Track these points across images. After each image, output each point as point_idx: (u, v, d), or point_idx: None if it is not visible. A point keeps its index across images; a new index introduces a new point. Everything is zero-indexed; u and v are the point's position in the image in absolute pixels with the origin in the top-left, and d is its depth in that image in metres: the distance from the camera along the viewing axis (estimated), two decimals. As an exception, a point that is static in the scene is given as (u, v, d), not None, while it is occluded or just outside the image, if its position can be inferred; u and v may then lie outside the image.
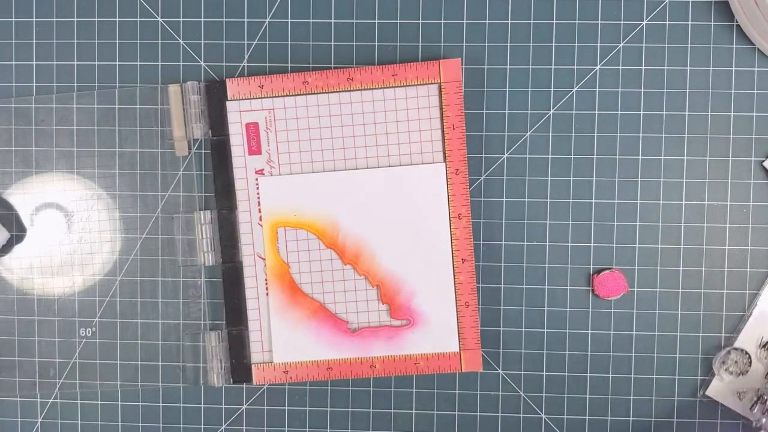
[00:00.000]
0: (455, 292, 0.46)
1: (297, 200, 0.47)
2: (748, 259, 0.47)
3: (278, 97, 0.46)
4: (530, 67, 0.47)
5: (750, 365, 0.46)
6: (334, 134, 0.46)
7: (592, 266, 0.47)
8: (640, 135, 0.47)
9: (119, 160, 0.48)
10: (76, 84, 0.48)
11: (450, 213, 0.46)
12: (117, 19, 0.48)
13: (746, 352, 0.46)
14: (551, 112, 0.47)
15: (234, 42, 0.48)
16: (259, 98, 0.46)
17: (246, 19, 0.48)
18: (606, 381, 0.47)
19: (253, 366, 0.47)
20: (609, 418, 0.48)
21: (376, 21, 0.47)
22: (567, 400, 0.48)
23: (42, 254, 0.49)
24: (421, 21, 0.47)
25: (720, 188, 0.47)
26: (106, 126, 0.48)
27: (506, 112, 0.47)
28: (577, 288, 0.47)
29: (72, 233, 0.49)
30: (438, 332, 0.47)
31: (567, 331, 0.47)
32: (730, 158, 0.47)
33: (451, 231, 0.46)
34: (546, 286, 0.47)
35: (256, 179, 0.47)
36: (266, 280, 0.47)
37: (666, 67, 0.46)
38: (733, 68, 0.46)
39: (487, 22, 0.47)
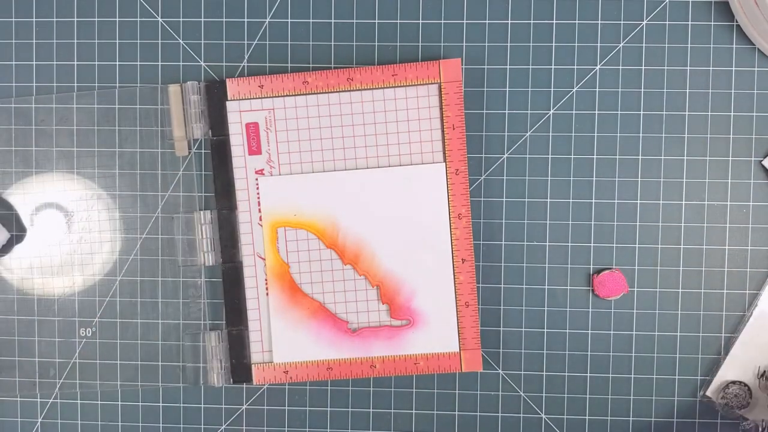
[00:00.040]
0: (455, 292, 0.46)
1: (297, 200, 0.47)
2: (748, 259, 0.47)
3: (278, 97, 0.46)
4: (530, 67, 0.47)
5: (751, 397, 0.46)
6: (334, 134, 0.46)
7: (592, 266, 0.47)
8: (640, 135, 0.47)
9: (119, 160, 0.48)
10: (76, 84, 0.48)
11: (450, 213, 0.46)
12: (117, 19, 0.48)
13: (745, 384, 0.46)
14: (551, 112, 0.47)
15: (234, 42, 0.48)
16: (259, 98, 0.46)
17: (246, 19, 0.48)
18: (606, 381, 0.47)
19: (253, 366, 0.47)
20: (609, 418, 0.48)
21: (376, 21, 0.47)
22: (567, 400, 0.48)
23: (42, 254, 0.49)
24: (421, 21, 0.47)
25: (720, 188, 0.47)
26: (106, 126, 0.48)
27: (506, 112, 0.47)
28: (577, 288, 0.47)
29: (72, 233, 0.49)
30: (438, 332, 0.47)
31: (567, 331, 0.47)
32: (730, 158, 0.47)
33: (451, 231, 0.46)
34: (546, 286, 0.47)
35: (256, 179, 0.47)
36: (266, 280, 0.47)
37: (666, 67, 0.46)
38: (733, 68, 0.46)
39: (487, 22, 0.47)
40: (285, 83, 0.46)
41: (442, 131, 0.46)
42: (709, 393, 0.46)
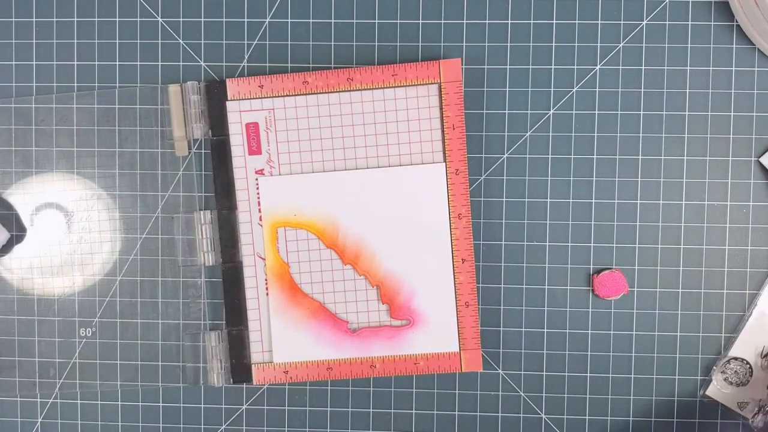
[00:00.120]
0: (455, 292, 0.46)
1: (297, 200, 0.47)
2: (748, 259, 0.47)
3: (278, 97, 0.46)
4: (530, 67, 0.47)
5: (751, 375, 0.46)
6: (334, 134, 0.46)
7: (592, 266, 0.47)
8: (640, 135, 0.47)
9: (119, 160, 0.48)
10: (76, 84, 0.48)
11: (450, 213, 0.46)
12: (117, 19, 0.48)
13: (746, 362, 0.46)
14: (551, 112, 0.47)
15: (234, 42, 0.48)
16: (259, 98, 0.46)
17: (246, 19, 0.48)
18: (606, 381, 0.47)
19: (253, 366, 0.47)
20: (609, 418, 0.48)
21: (376, 21, 0.47)
22: (567, 400, 0.48)
23: (42, 254, 0.49)
24: (421, 21, 0.47)
25: (720, 188, 0.47)
26: (106, 126, 0.48)
27: (506, 112, 0.47)
28: (577, 288, 0.47)
29: (72, 233, 0.49)
30: (438, 332, 0.47)
31: (567, 331, 0.47)
32: (730, 158, 0.47)
33: (451, 231, 0.46)
34: (546, 286, 0.47)
35: (256, 179, 0.47)
36: (266, 280, 0.47)
37: (666, 67, 0.46)
38: (733, 68, 0.46)
39: (487, 22, 0.47)
40: (285, 83, 0.46)
41: (442, 131, 0.46)
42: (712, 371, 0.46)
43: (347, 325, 0.47)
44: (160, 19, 0.48)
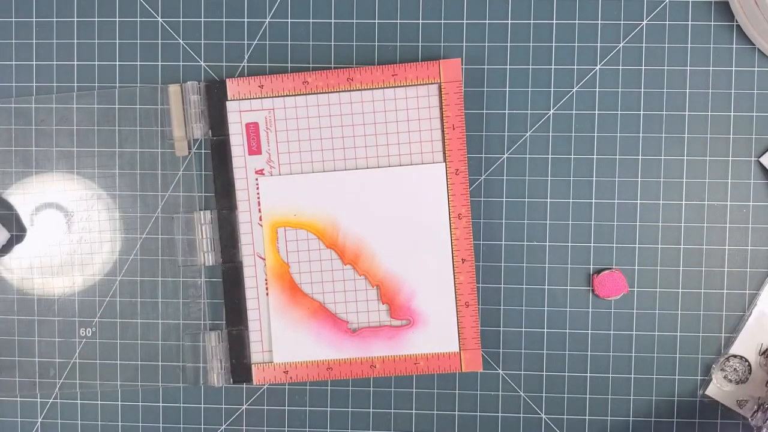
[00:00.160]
0: (455, 292, 0.46)
1: (297, 200, 0.47)
2: (748, 259, 0.47)
3: (278, 97, 0.46)
4: (530, 67, 0.47)
5: (750, 373, 0.46)
6: (334, 134, 0.46)
7: (592, 266, 0.47)
8: (640, 135, 0.47)
9: (119, 160, 0.48)
10: (76, 84, 0.48)
11: (450, 213, 0.46)
12: (117, 19, 0.48)
13: (746, 360, 0.46)
14: (551, 112, 0.47)
15: (234, 42, 0.48)
16: (259, 98, 0.46)
17: (246, 19, 0.48)
18: (606, 381, 0.47)
19: (253, 366, 0.47)
20: (609, 418, 0.48)
21: (376, 21, 0.47)
22: (567, 400, 0.48)
23: (42, 254, 0.49)
24: (421, 21, 0.47)
25: (720, 188, 0.47)
26: (106, 126, 0.48)
27: (506, 112, 0.47)
28: (577, 288, 0.47)
29: (72, 233, 0.49)
30: (438, 332, 0.47)
31: (567, 331, 0.47)
32: (730, 158, 0.47)
33: (451, 231, 0.46)
34: (546, 286, 0.47)
35: (256, 179, 0.47)
36: (266, 280, 0.47)
37: (666, 67, 0.46)
38: (733, 68, 0.46)
39: (487, 22, 0.47)
40: (285, 83, 0.46)
41: (442, 131, 0.46)
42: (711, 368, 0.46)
43: (347, 325, 0.47)
44: (160, 19, 0.48)
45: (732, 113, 0.46)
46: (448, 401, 0.48)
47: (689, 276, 0.47)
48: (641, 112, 0.47)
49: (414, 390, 0.48)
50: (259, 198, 0.47)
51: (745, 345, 0.46)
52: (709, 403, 0.47)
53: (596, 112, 0.47)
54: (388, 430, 0.48)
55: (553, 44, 0.47)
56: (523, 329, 0.47)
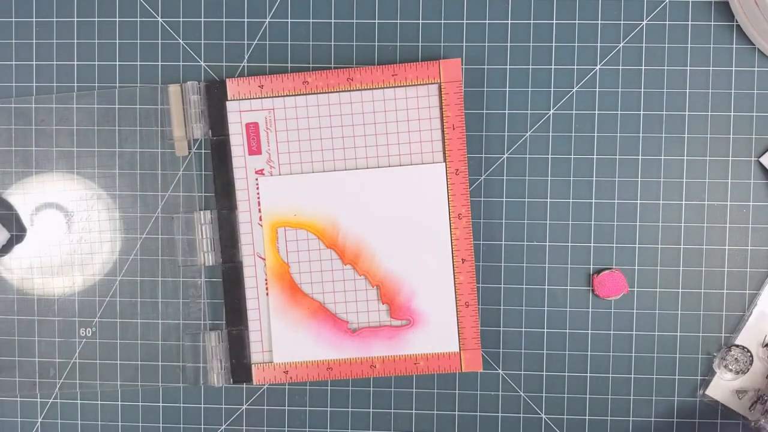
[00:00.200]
0: (455, 292, 0.46)
1: (297, 200, 0.47)
2: (748, 259, 0.47)
3: (278, 97, 0.46)
4: (530, 67, 0.47)
5: (751, 363, 0.46)
6: (334, 134, 0.46)
7: (592, 266, 0.47)
8: (640, 135, 0.47)
9: (119, 160, 0.48)
10: (76, 84, 0.48)
11: (450, 213, 0.46)
12: (117, 19, 0.48)
13: (748, 350, 0.46)
14: (551, 112, 0.47)
15: (234, 42, 0.48)
16: (259, 98, 0.46)
17: (246, 19, 0.48)
18: (606, 381, 0.47)
19: (253, 366, 0.47)
20: (609, 418, 0.48)
21: (376, 21, 0.47)
22: (567, 400, 0.48)
23: (42, 254, 0.49)
24: (421, 21, 0.47)
25: (720, 188, 0.47)
26: (106, 126, 0.48)
27: (506, 112, 0.47)
28: (577, 288, 0.47)
29: (72, 233, 0.49)
30: (438, 332, 0.47)
31: (567, 331, 0.47)
32: (730, 158, 0.47)
33: (451, 231, 0.46)
34: (546, 286, 0.47)
35: (256, 179, 0.47)
36: (266, 280, 0.47)
37: (666, 67, 0.46)
38: (733, 68, 0.46)
39: (487, 22, 0.47)
40: (285, 83, 0.46)
41: (442, 131, 0.46)
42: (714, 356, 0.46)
43: (347, 325, 0.47)
44: (160, 19, 0.48)
45: (732, 113, 0.46)
46: (448, 401, 0.48)
47: (689, 276, 0.47)
48: (641, 112, 0.47)
49: (414, 390, 0.48)
50: (259, 198, 0.47)
51: (749, 333, 0.46)
52: (709, 403, 0.47)
53: (596, 112, 0.47)
54: (388, 430, 0.48)
55: (553, 44, 0.47)
56: (523, 329, 0.47)
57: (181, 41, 0.48)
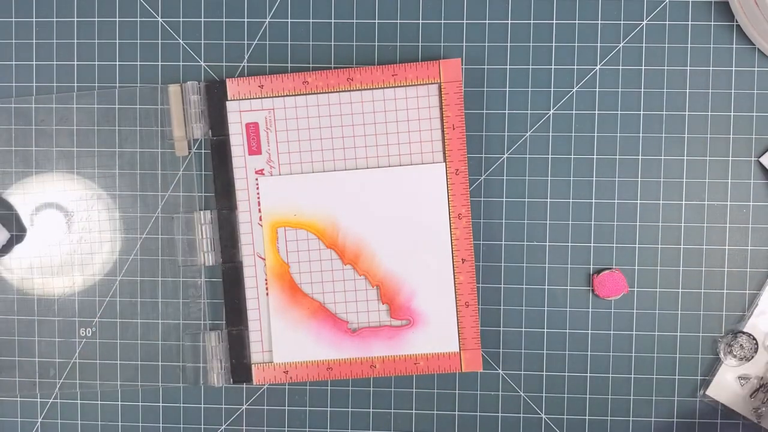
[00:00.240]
0: (455, 292, 0.46)
1: (297, 200, 0.47)
2: (748, 259, 0.47)
3: (278, 97, 0.46)
4: (530, 67, 0.47)
5: (756, 351, 0.46)
6: (334, 134, 0.46)
7: (592, 266, 0.47)
8: (640, 135, 0.47)
9: (119, 160, 0.48)
10: (76, 84, 0.48)
11: (450, 213, 0.46)
12: (117, 19, 0.48)
13: (754, 338, 0.46)
14: (551, 112, 0.47)
15: (234, 42, 0.48)
16: (259, 98, 0.46)
17: (246, 19, 0.48)
18: (606, 381, 0.47)
19: (253, 366, 0.47)
20: (609, 418, 0.48)
21: (376, 21, 0.47)
22: (567, 400, 0.48)
23: (42, 254, 0.49)
24: (421, 21, 0.47)
25: (720, 188, 0.47)
26: (106, 126, 0.48)
27: (506, 112, 0.47)
28: (577, 288, 0.47)
29: (72, 233, 0.49)
30: (438, 332, 0.47)
31: (567, 331, 0.47)
32: (730, 158, 0.47)
33: (451, 231, 0.46)
34: (546, 286, 0.47)
35: (256, 179, 0.47)
36: (266, 280, 0.47)
37: (666, 67, 0.46)
38: (733, 68, 0.46)
39: (487, 22, 0.47)
40: (285, 83, 0.46)
41: (442, 131, 0.46)
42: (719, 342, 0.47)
43: (347, 325, 0.47)
44: (160, 19, 0.48)
45: (732, 113, 0.46)
46: (448, 401, 0.48)
47: (689, 276, 0.47)
48: (641, 112, 0.47)
49: (414, 390, 0.48)
50: (259, 198, 0.47)
51: (755, 322, 0.46)
52: (709, 403, 0.47)
53: (596, 112, 0.47)
54: (388, 430, 0.48)
55: (553, 44, 0.47)
56: (523, 329, 0.47)
57: (181, 41, 0.48)
